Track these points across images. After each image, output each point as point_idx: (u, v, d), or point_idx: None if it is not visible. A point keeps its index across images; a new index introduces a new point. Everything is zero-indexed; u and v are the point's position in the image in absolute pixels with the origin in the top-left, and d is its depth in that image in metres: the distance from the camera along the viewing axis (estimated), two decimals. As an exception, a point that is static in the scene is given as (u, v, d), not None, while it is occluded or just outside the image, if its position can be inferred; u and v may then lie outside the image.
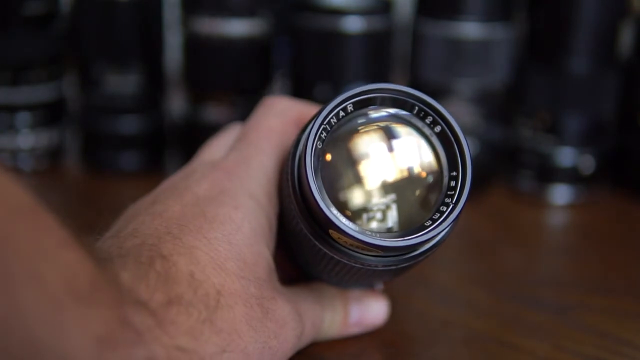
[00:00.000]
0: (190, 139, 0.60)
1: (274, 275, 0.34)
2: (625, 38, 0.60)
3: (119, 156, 0.60)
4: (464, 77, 0.57)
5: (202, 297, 0.30)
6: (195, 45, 0.58)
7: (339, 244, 0.32)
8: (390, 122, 0.33)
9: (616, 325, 0.42)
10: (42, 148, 0.61)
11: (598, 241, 0.55)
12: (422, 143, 0.32)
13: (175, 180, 0.36)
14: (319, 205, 0.30)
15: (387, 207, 0.32)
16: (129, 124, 0.60)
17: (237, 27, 0.56)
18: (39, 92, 0.59)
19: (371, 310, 0.39)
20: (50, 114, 0.60)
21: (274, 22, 0.59)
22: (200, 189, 0.34)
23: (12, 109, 0.59)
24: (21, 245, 0.24)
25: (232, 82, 0.58)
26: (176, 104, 0.65)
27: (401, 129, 0.32)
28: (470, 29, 0.56)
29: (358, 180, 0.32)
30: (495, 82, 0.58)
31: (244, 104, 0.58)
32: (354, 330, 0.38)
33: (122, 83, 0.59)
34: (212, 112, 0.58)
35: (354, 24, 0.55)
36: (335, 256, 0.33)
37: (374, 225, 0.32)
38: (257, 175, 0.35)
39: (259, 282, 0.33)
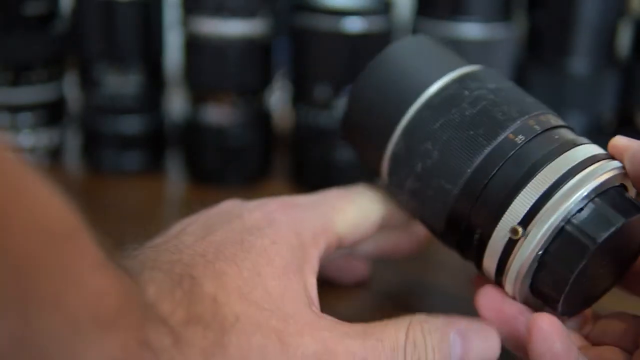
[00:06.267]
0: (190, 139, 0.60)
1: (306, 310, 0.33)
2: (624, 38, 0.60)
3: (119, 156, 0.61)
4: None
5: (220, 320, 0.30)
6: (195, 45, 0.58)
7: None
8: None
9: (616, 325, 0.42)
10: (42, 148, 0.61)
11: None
12: None
13: (236, 204, 0.37)
14: None
15: None
16: (130, 124, 0.60)
17: (237, 27, 0.56)
18: (40, 92, 0.59)
19: (476, 347, 0.34)
20: (50, 114, 0.61)
21: (274, 22, 0.59)
22: (251, 217, 0.35)
23: (13, 109, 0.59)
24: (50, 269, 0.24)
25: (232, 83, 0.58)
26: (176, 104, 0.65)
27: None
28: (470, 29, 0.56)
29: None
30: (495, 82, 0.58)
31: (244, 104, 0.58)
32: None
33: (123, 83, 0.59)
34: (212, 112, 0.58)
35: (354, 24, 0.55)
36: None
37: None
38: (309, 214, 0.36)
39: (284, 316, 0.32)
